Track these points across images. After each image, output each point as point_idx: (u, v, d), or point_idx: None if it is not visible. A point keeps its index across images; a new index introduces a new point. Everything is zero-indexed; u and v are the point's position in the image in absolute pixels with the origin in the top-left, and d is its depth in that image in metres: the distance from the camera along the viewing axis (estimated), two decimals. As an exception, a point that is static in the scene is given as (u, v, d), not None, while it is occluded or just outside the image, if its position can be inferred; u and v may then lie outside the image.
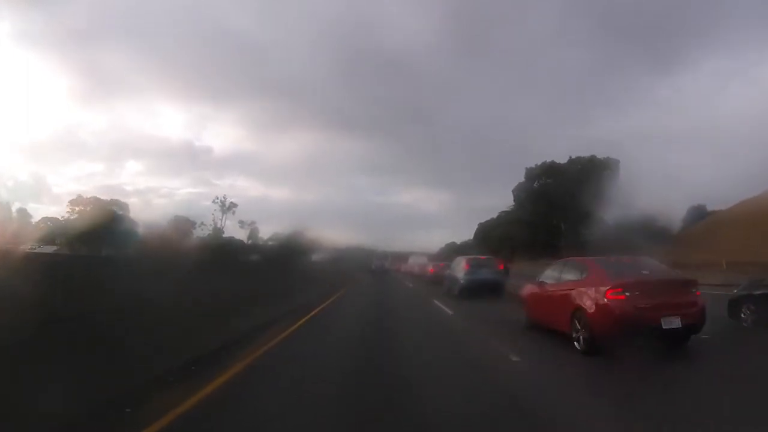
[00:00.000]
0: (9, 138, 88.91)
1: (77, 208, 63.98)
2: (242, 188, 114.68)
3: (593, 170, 58.59)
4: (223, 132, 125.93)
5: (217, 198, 78.69)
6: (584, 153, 61.02)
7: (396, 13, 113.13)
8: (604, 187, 55.65)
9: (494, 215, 75.50)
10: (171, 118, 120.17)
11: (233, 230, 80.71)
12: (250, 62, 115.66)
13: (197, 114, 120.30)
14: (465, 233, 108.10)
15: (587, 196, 55.51)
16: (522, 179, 63.86)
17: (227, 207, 77.15)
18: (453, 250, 61.87)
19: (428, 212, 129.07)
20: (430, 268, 29.26)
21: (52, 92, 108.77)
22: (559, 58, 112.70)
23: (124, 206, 66.62)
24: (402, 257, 59.72)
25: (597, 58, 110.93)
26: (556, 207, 58.90)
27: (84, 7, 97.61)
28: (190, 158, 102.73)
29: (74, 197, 65.20)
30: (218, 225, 75.38)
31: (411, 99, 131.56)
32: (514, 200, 67.09)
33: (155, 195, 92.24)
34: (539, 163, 63.96)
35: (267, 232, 77.37)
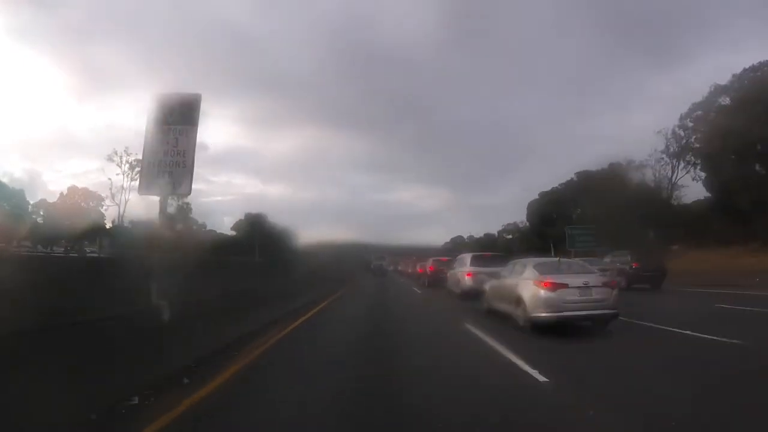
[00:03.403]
0: (3, 135, 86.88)
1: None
2: (240, 185, 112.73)
3: None
4: (218, 129, 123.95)
5: (116, 152, 47.12)
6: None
7: (395, 8, 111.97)
8: None
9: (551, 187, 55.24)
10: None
11: (146, 206, 63.96)
12: (248, 58, 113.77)
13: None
14: (470, 228, 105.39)
15: None
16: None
17: (131, 166, 45.84)
18: (460, 245, 50.28)
19: (428, 209, 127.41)
20: (468, 272, 17.30)
21: (46, 88, 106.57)
22: (558, 52, 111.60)
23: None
24: (405, 253, 48.02)
25: (596, 52, 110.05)
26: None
27: (78, 1, 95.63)
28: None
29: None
30: (117, 198, 48.41)
31: (410, 95, 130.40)
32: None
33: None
34: None
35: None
